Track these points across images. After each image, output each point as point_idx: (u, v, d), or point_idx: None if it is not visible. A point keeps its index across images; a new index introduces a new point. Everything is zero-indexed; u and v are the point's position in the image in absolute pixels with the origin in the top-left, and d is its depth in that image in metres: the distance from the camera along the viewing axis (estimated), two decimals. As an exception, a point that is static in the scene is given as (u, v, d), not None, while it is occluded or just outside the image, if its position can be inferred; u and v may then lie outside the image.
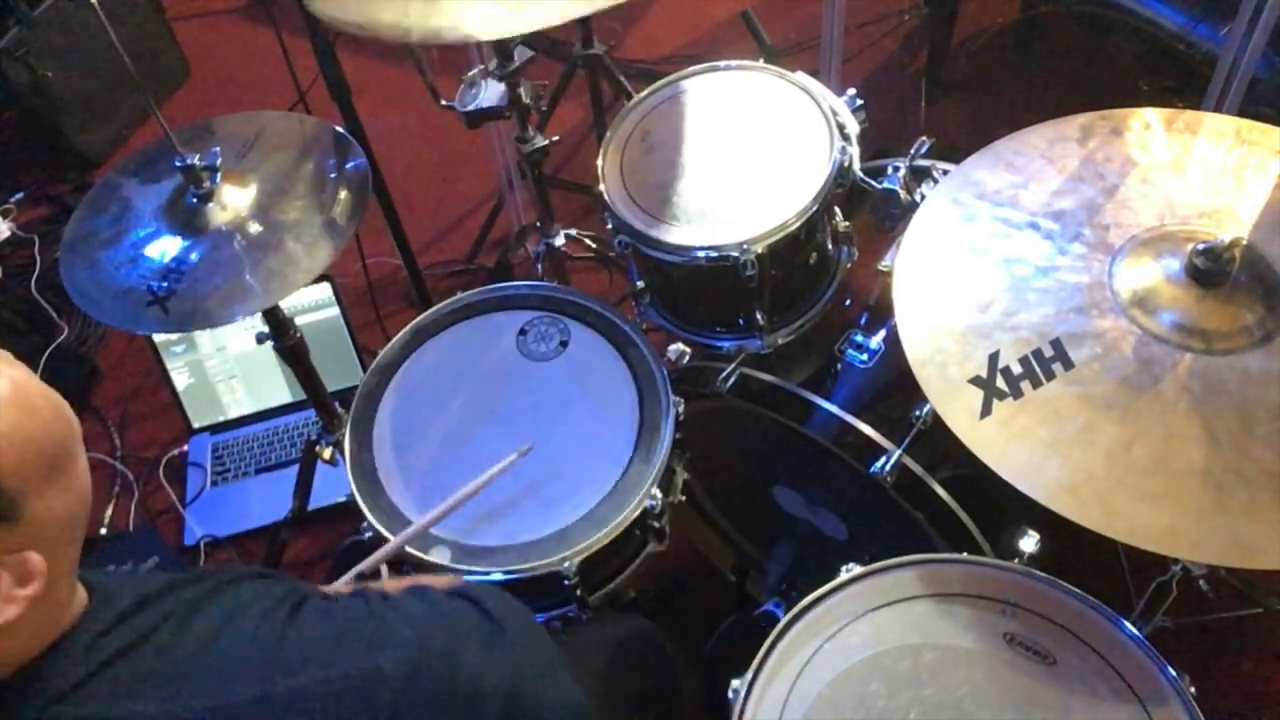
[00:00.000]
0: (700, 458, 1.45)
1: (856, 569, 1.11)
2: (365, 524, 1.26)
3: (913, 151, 1.46)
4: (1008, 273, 1.09)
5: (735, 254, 1.30)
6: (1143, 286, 1.05)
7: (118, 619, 0.71)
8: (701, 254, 1.32)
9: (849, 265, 1.47)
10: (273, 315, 1.38)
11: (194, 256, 1.22)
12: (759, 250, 1.30)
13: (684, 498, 1.40)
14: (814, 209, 1.32)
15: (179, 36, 3.07)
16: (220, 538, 2.05)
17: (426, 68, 1.87)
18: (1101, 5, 2.58)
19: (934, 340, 1.06)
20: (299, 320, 1.43)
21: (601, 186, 1.40)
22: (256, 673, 0.71)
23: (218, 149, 1.25)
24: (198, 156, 1.22)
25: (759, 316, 1.40)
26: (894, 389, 1.37)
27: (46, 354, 2.36)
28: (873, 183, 1.39)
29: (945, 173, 1.35)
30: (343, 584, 1.14)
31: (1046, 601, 1.07)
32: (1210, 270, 1.01)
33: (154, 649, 0.70)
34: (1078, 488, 0.94)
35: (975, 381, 1.02)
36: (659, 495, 1.26)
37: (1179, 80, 2.39)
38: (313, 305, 2.08)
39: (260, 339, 1.41)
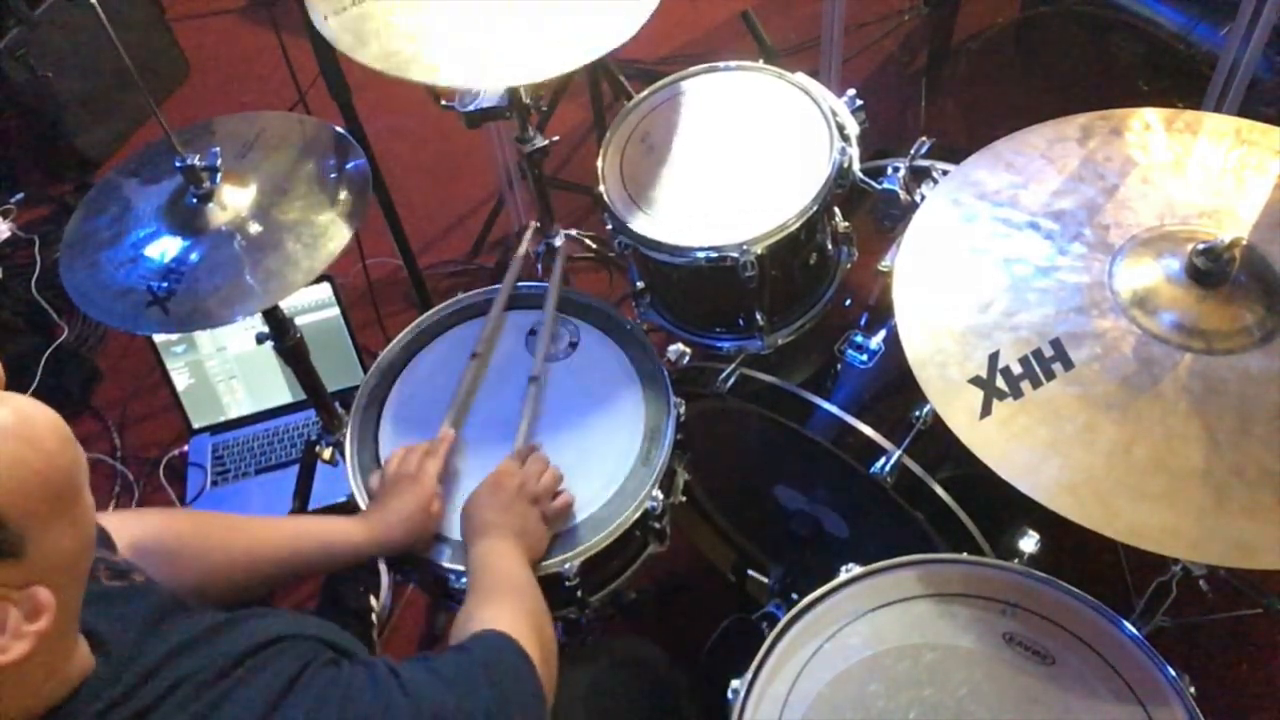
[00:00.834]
0: (701, 458, 1.45)
1: (856, 569, 1.11)
2: (365, 524, 1.26)
3: (913, 152, 1.46)
4: (1008, 273, 1.09)
5: (735, 254, 1.30)
6: (1143, 286, 1.05)
7: (124, 694, 0.70)
8: (701, 254, 1.32)
9: (849, 265, 1.47)
10: (273, 315, 1.38)
11: (194, 256, 1.22)
12: (759, 251, 1.30)
13: (684, 498, 1.40)
14: (814, 209, 1.32)
15: (179, 36, 3.07)
16: (220, 538, 2.05)
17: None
18: (1101, 5, 2.58)
19: (934, 340, 1.06)
20: (299, 320, 1.43)
21: (601, 187, 1.40)
22: None
23: (218, 149, 1.25)
24: (198, 156, 1.22)
25: (759, 317, 1.40)
26: (894, 389, 1.37)
27: (46, 354, 2.36)
28: (873, 183, 1.39)
29: (945, 173, 1.35)
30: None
31: (1046, 601, 1.07)
32: (1210, 270, 1.01)
33: None
34: (1078, 488, 0.94)
35: (975, 381, 1.02)
36: (660, 496, 1.26)
37: (1179, 80, 2.39)
38: (313, 305, 2.08)
39: (260, 339, 1.41)
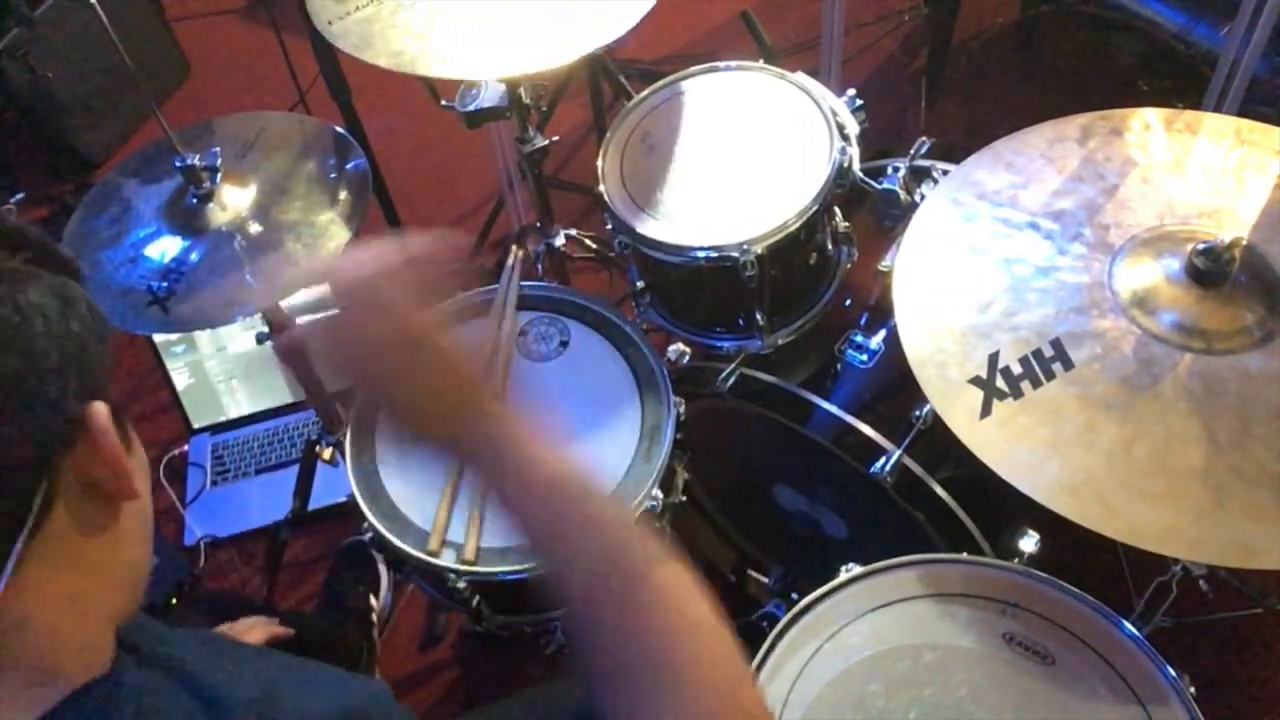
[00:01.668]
0: (700, 458, 1.45)
1: (856, 569, 1.11)
2: (365, 524, 1.26)
3: (913, 151, 1.46)
4: (1008, 273, 1.09)
5: (735, 254, 1.30)
6: (1143, 286, 1.05)
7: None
8: (701, 254, 1.32)
9: (849, 265, 1.47)
10: (273, 315, 1.38)
11: (194, 256, 1.22)
12: (759, 250, 1.30)
13: (684, 498, 1.40)
14: (814, 209, 1.32)
15: (179, 36, 3.07)
16: (220, 538, 2.05)
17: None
18: (1101, 5, 2.58)
19: (934, 340, 1.06)
20: (299, 320, 1.43)
21: (601, 187, 1.40)
22: None
23: (218, 149, 1.25)
24: (198, 156, 1.22)
25: (759, 317, 1.40)
26: (894, 389, 1.37)
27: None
28: (873, 183, 1.39)
29: (945, 173, 1.35)
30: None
31: (1046, 601, 1.07)
32: (1210, 270, 1.01)
33: None
34: (1078, 488, 0.94)
35: (975, 381, 1.02)
36: (659, 496, 1.26)
37: (1179, 80, 2.39)
38: (313, 305, 2.08)
39: (260, 339, 1.41)
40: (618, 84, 2.23)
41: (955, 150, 1.47)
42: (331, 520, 1.99)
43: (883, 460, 1.27)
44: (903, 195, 1.38)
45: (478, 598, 1.28)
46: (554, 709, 1.12)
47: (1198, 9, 2.34)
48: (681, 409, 1.32)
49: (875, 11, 2.85)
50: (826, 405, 1.34)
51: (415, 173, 2.70)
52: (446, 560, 1.21)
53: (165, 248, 1.23)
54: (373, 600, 1.85)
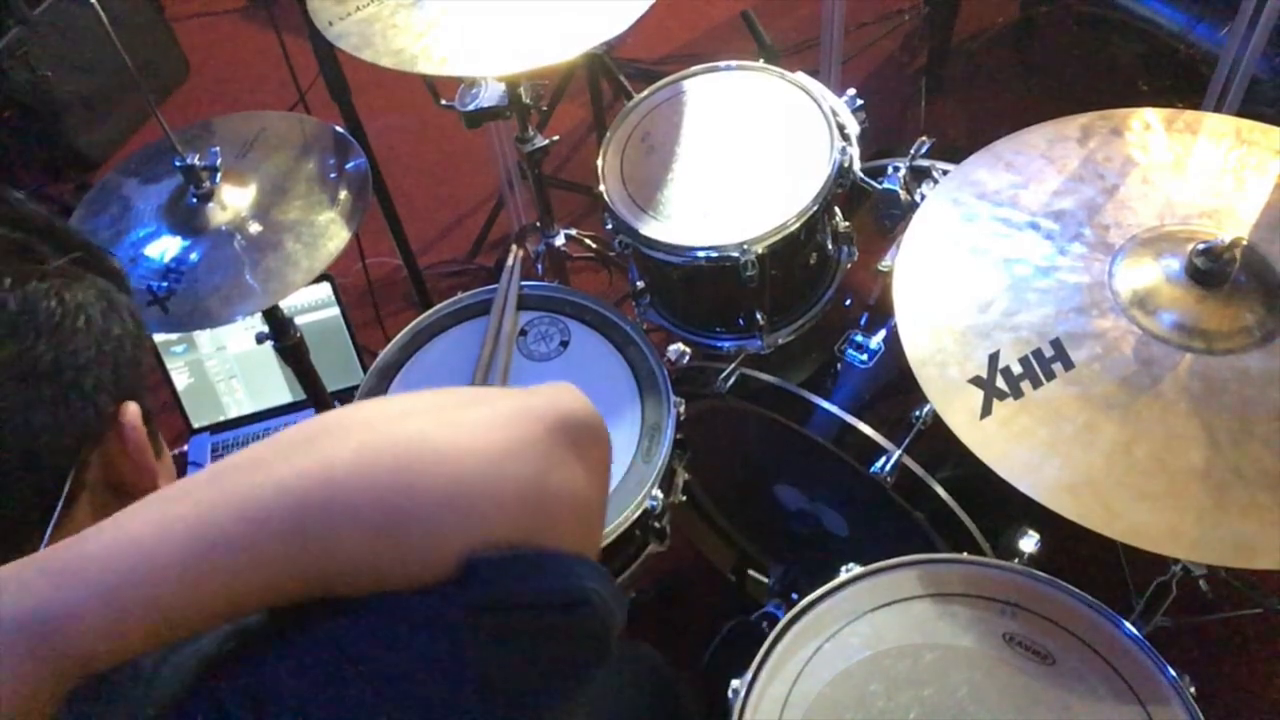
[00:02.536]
0: (701, 458, 1.45)
1: (856, 569, 1.11)
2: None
3: (913, 151, 1.46)
4: (1008, 273, 1.09)
5: (735, 254, 1.30)
6: (1143, 286, 1.05)
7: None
8: (701, 254, 1.32)
9: (849, 265, 1.47)
10: (273, 315, 1.38)
11: (194, 256, 1.22)
12: (759, 250, 1.30)
13: (684, 498, 1.40)
14: (814, 209, 1.32)
15: (179, 36, 3.07)
16: (220, 538, 2.05)
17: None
18: (1101, 5, 2.58)
19: (934, 340, 1.06)
20: (299, 320, 1.43)
21: (601, 186, 1.40)
22: None
23: (217, 149, 1.25)
24: (198, 156, 1.22)
25: (759, 316, 1.40)
26: (894, 389, 1.37)
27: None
28: (873, 183, 1.39)
29: (945, 173, 1.35)
30: None
31: (1046, 601, 1.07)
32: (1210, 270, 1.01)
33: None
34: (1078, 488, 0.94)
35: (975, 381, 1.02)
36: (660, 495, 1.26)
37: (1179, 80, 2.39)
38: (313, 305, 2.08)
39: (260, 339, 1.41)
40: (618, 83, 2.23)
41: (955, 150, 1.48)
42: (331, 520, 1.99)
43: (883, 460, 1.27)
44: (903, 195, 1.38)
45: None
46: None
47: (1198, 9, 2.34)
48: (681, 409, 1.32)
49: (875, 11, 2.85)
50: (826, 405, 1.34)
51: (415, 173, 2.70)
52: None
53: (165, 247, 1.23)
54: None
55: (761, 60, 1.50)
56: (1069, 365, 1.01)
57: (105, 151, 2.87)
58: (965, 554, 1.15)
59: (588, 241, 2.30)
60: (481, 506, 0.47)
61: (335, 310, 2.10)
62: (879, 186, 1.39)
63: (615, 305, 1.45)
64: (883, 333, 1.41)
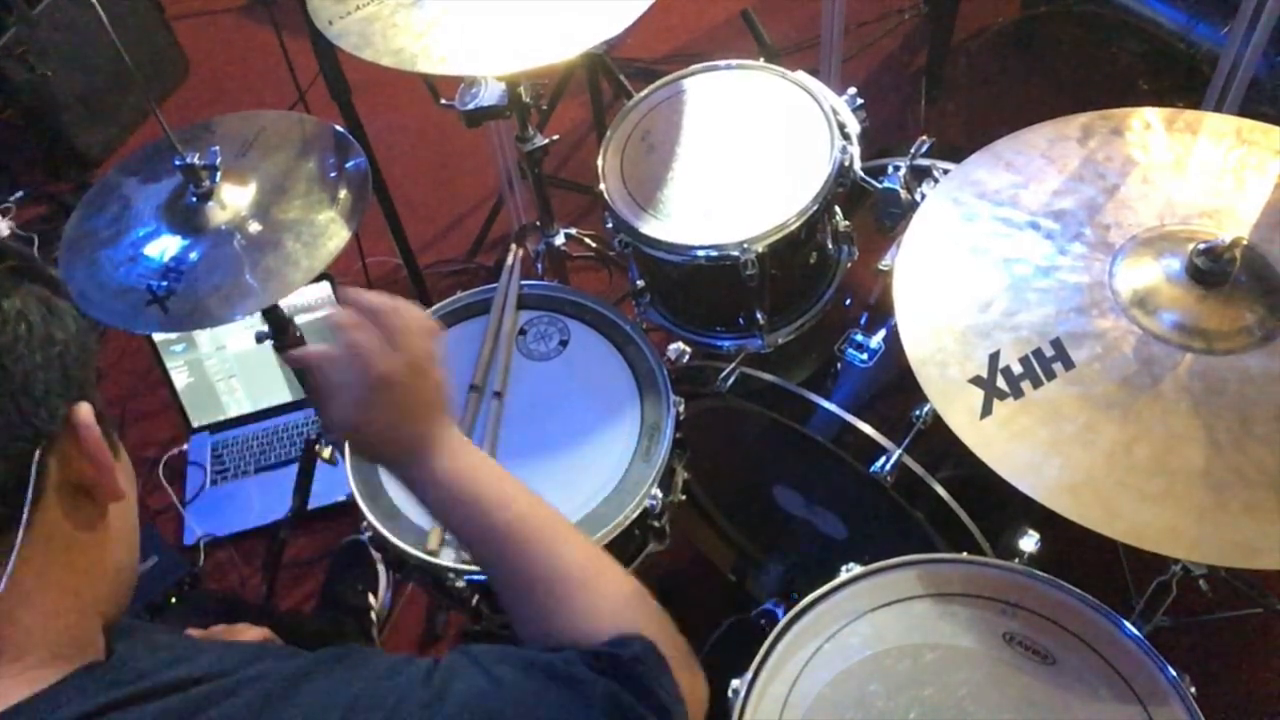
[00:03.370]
0: (700, 457, 1.45)
1: (856, 569, 1.11)
2: (365, 524, 1.26)
3: (913, 151, 1.46)
4: (1008, 272, 1.09)
5: (735, 254, 1.29)
6: (1143, 286, 1.05)
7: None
8: (701, 254, 1.32)
9: (849, 265, 1.47)
10: (272, 314, 1.38)
11: (193, 256, 1.22)
12: (759, 250, 1.29)
13: (684, 497, 1.40)
14: (814, 208, 1.32)
15: (179, 36, 3.07)
16: (220, 537, 2.05)
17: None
18: (1101, 5, 2.58)
19: (934, 340, 1.06)
20: (299, 319, 1.43)
21: (601, 186, 1.40)
22: None
23: (217, 148, 1.25)
24: (197, 156, 1.22)
25: (759, 316, 1.40)
26: (894, 389, 1.37)
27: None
28: (873, 182, 1.39)
29: (945, 172, 1.35)
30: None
31: (1046, 601, 1.07)
32: (1211, 270, 1.01)
33: None
34: (1078, 488, 0.94)
35: (975, 381, 1.02)
36: (659, 495, 1.26)
37: (1179, 80, 2.39)
38: (312, 304, 2.08)
39: (260, 338, 1.41)
40: (617, 83, 2.23)
41: (955, 150, 1.48)
42: (331, 519, 1.99)
43: (883, 460, 1.27)
44: (903, 194, 1.38)
45: (477, 597, 1.28)
46: None
47: (1198, 9, 2.34)
48: (681, 408, 1.32)
49: (875, 11, 2.85)
50: (827, 404, 1.34)
51: (415, 172, 2.70)
52: (446, 559, 1.21)
53: (164, 247, 1.23)
54: (372, 599, 1.85)
55: (762, 59, 1.50)
56: (1069, 365, 1.01)
57: (105, 151, 2.87)
58: (965, 554, 1.15)
59: (587, 241, 2.30)
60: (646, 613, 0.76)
61: (335, 309, 2.10)
62: (879, 186, 1.39)
63: (615, 304, 1.45)
64: (883, 332, 1.41)
